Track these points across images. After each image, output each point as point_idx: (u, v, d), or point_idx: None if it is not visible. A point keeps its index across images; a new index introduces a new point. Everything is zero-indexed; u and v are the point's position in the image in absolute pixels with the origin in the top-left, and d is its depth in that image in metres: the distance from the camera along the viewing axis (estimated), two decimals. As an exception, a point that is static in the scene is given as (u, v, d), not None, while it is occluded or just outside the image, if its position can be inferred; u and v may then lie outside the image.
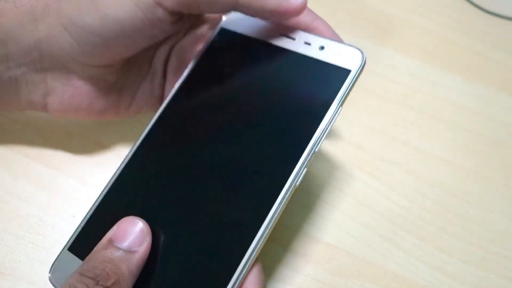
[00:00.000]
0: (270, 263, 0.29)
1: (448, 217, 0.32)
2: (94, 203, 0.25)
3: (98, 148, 0.32)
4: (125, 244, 0.22)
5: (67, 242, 0.25)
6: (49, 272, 0.24)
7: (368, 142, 0.34)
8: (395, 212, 0.32)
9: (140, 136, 0.26)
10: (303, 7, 0.24)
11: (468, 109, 0.37)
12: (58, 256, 0.24)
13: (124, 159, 0.26)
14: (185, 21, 0.28)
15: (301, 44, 0.25)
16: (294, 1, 0.24)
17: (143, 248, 0.22)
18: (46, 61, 0.26)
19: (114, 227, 0.22)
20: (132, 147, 0.26)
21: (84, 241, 0.24)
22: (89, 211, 0.25)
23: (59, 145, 0.32)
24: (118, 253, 0.21)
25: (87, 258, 0.22)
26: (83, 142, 0.32)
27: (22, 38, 0.25)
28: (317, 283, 0.29)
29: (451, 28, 0.40)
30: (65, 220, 0.29)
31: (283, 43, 0.25)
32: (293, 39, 0.25)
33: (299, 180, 0.22)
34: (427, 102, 0.37)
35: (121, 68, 0.29)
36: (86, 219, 0.25)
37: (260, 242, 0.21)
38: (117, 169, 0.26)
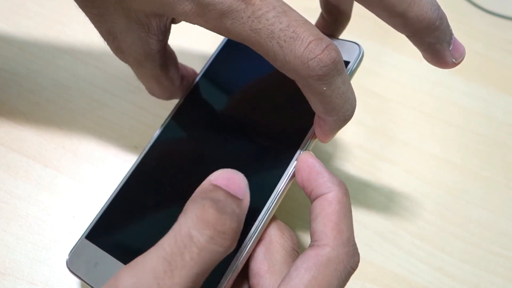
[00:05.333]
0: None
1: (448, 217, 0.32)
2: (112, 194, 0.26)
3: (98, 148, 0.32)
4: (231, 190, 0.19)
5: (85, 231, 0.26)
6: (67, 258, 0.25)
7: (368, 142, 0.34)
8: (395, 212, 0.32)
9: (155, 133, 0.28)
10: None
11: (468, 109, 0.37)
12: (75, 244, 0.25)
13: (141, 153, 0.27)
14: None
15: None
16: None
17: (247, 198, 0.19)
18: None
19: (216, 174, 0.19)
20: (148, 143, 0.28)
21: (101, 230, 0.25)
22: (106, 201, 0.26)
23: (59, 145, 0.32)
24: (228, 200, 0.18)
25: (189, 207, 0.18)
26: (83, 143, 0.32)
27: None
28: (317, 283, 0.29)
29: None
30: (65, 220, 0.29)
31: None
32: None
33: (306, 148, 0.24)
34: (427, 102, 0.37)
35: None
36: (104, 208, 0.26)
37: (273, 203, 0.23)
38: (134, 162, 0.27)
